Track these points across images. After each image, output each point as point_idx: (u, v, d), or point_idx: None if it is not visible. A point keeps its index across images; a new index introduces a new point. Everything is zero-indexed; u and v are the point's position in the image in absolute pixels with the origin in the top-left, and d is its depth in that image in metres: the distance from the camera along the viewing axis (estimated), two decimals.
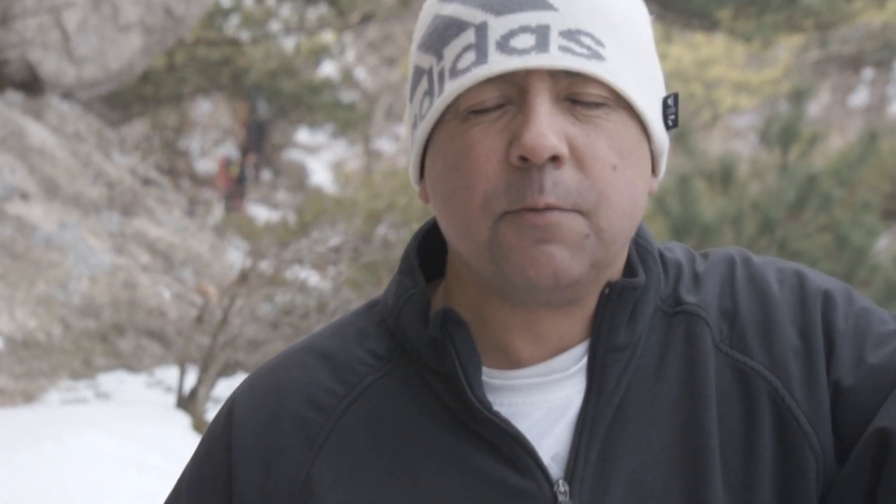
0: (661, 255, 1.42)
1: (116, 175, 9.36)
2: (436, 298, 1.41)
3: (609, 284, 1.32)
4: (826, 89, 25.90)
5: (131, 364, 7.64)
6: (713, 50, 20.22)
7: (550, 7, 1.26)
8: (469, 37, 1.27)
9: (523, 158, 1.23)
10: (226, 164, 19.18)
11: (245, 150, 19.47)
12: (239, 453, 1.38)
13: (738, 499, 1.31)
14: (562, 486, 1.30)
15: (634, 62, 1.30)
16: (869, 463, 1.29)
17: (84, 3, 9.32)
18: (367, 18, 15.28)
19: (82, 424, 6.03)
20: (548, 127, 1.23)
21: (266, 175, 22.19)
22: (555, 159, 1.23)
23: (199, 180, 19.52)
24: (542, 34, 1.25)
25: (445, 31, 1.30)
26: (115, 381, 7.35)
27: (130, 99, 15.49)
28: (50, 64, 9.26)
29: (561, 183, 1.24)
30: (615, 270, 1.34)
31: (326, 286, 8.60)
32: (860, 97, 27.98)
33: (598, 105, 1.26)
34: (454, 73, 1.27)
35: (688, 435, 1.32)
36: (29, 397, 6.82)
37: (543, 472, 1.30)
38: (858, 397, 1.32)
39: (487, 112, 1.27)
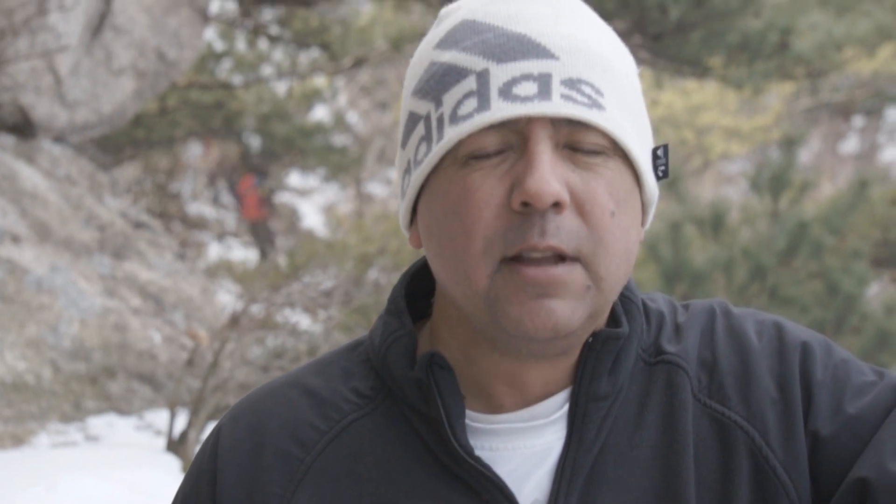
0: (645, 305, 1.43)
1: (108, 218, 9.36)
2: (422, 339, 1.42)
3: (594, 334, 1.33)
4: (817, 136, 25.99)
5: (121, 407, 7.61)
6: (705, 96, 20.30)
7: (552, 56, 1.27)
8: (470, 83, 1.28)
9: (525, 204, 1.24)
10: (251, 184, 19.06)
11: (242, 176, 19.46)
12: (223, 488, 1.39)
13: None
14: None
15: (629, 112, 1.31)
16: None
17: (77, 47, 9.34)
18: (359, 63, 15.30)
19: (73, 468, 5.99)
20: (551, 173, 1.24)
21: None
22: (557, 205, 1.24)
23: (190, 223, 19.49)
24: (544, 82, 1.26)
25: (444, 77, 1.31)
26: (104, 424, 7.31)
27: (122, 142, 15.47)
28: (42, 107, 9.27)
29: (563, 227, 1.25)
30: (602, 320, 1.36)
31: (317, 329, 8.58)
32: (851, 144, 28.09)
33: (596, 153, 1.28)
34: (455, 119, 1.28)
35: (665, 483, 1.33)
36: (18, 440, 6.78)
37: None
38: (837, 447, 1.32)
39: (488, 157, 1.27)
